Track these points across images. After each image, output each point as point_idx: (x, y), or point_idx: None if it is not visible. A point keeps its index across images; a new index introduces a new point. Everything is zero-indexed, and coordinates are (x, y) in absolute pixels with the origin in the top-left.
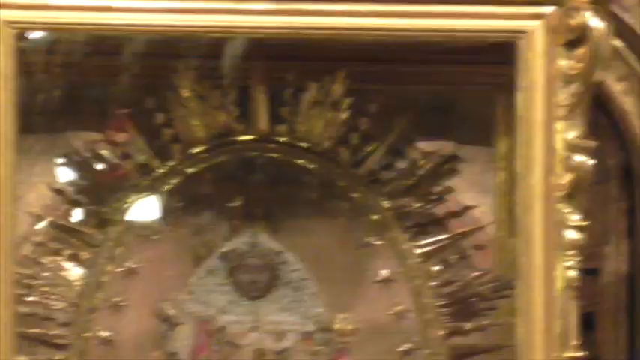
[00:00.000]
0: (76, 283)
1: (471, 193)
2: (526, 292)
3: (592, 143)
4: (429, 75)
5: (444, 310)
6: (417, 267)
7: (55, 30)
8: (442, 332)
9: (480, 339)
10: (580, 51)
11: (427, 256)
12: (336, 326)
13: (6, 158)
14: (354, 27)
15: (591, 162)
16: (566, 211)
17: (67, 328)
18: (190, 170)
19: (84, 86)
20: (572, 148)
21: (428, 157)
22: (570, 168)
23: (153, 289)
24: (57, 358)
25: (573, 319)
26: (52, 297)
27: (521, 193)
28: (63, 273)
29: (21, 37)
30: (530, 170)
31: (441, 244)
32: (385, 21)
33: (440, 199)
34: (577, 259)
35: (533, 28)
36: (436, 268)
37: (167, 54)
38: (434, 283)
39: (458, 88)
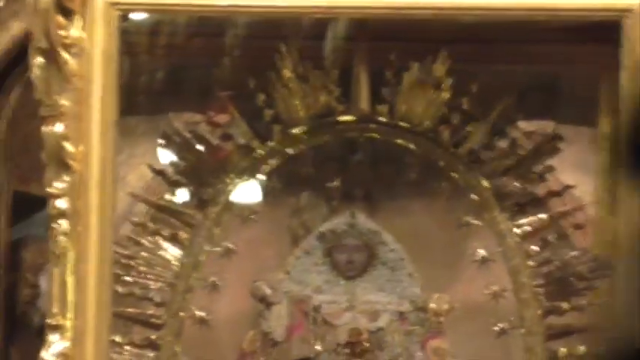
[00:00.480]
0: (173, 263)
1: (572, 172)
2: (625, 272)
3: None
4: (531, 54)
5: (541, 289)
6: (515, 247)
7: (158, 12)
8: (539, 312)
9: (577, 319)
10: None
11: (526, 235)
12: (432, 306)
13: (107, 139)
14: (456, 6)
15: None
16: None
17: (163, 307)
18: (290, 151)
19: (186, 68)
20: None
21: (529, 136)
22: None
23: (249, 269)
24: (152, 337)
25: None
26: (150, 277)
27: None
28: (161, 253)
29: (124, 18)
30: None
31: (540, 223)
32: (485, 0)
33: (540, 178)
34: None
35: (638, 5)
36: (535, 247)
37: (269, 35)
38: (532, 263)
39: (561, 68)
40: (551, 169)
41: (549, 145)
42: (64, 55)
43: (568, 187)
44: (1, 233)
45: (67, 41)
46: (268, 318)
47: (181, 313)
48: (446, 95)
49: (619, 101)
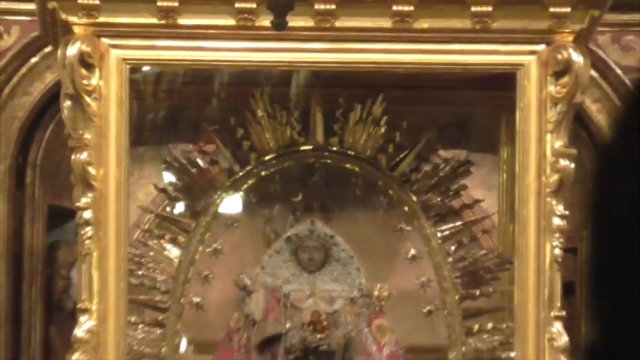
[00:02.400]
0: (174, 260)
1: (480, 189)
2: (522, 266)
3: (573, 151)
4: (448, 98)
5: (458, 280)
6: (437, 247)
7: (159, 65)
8: (457, 297)
9: (486, 302)
10: (565, 79)
11: (445, 238)
12: (375, 293)
13: (121, 164)
14: (389, 62)
15: (573, 165)
16: (553, 203)
17: (167, 295)
18: (263, 173)
19: (181, 108)
20: (559, 154)
21: (447, 162)
22: (557, 170)
23: (233, 265)
24: (159, 318)
25: (558, 287)
26: (156, 271)
27: (519, 190)
28: (165, 253)
29: (133, 70)
30: (526, 172)
31: (456, 229)
32: (413, 57)
33: (456, 194)
34: (561, 240)
35: (528, 62)
36: (452, 248)
37: (246, 83)
38: (450, 260)
39: (471, 109)
40: (464, 187)
41: (463, 169)
42: (87, 99)
43: (477, 201)
44: (39, 238)
45: (89, 88)
46: (249, 303)
47: (182, 300)
48: (383, 130)
49: (515, 135)
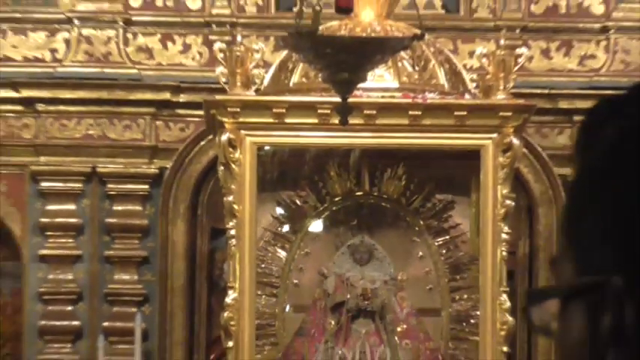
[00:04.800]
0: (282, 259)
1: (459, 217)
2: (484, 262)
3: (513, 195)
4: (442, 164)
5: (448, 269)
6: (435, 251)
7: (274, 145)
8: (446, 280)
9: (463, 283)
10: (508, 154)
11: (440, 246)
12: (399, 277)
13: (252, 203)
14: (406, 143)
15: (513, 203)
16: (502, 226)
17: (279, 279)
18: (334, 208)
19: (287, 170)
20: (505, 197)
21: (440, 201)
22: (504, 206)
23: (316, 261)
24: (274, 292)
25: (504, 274)
26: (272, 265)
27: (482, 218)
28: (277, 254)
29: (260, 149)
30: (486, 207)
31: (446, 241)
32: (421, 141)
33: (446, 220)
34: (506, 247)
35: (487, 144)
36: (444, 251)
37: (324, 155)
38: (442, 258)
39: (454, 171)
40: (450, 215)
41: (449, 205)
42: (232, 165)
43: (458, 224)
44: (205, 246)
45: (233, 159)
46: (325, 283)
47: (287, 281)
48: (403, 183)
49: (480, 186)
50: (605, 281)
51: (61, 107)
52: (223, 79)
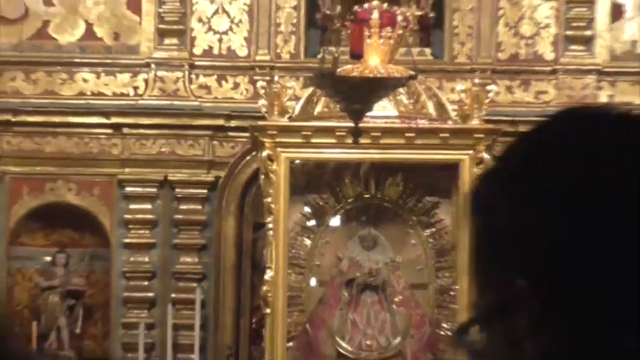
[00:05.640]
0: (307, 246)
1: (443, 214)
2: (460, 249)
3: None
4: (431, 174)
5: (433, 254)
6: (425, 240)
7: (303, 159)
8: (433, 262)
9: (445, 264)
10: (481, 166)
11: (428, 236)
12: (397, 260)
13: (285, 203)
14: (404, 159)
15: None
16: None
17: (305, 261)
18: (348, 207)
19: (313, 178)
20: None
21: (429, 202)
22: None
23: (334, 248)
24: (302, 270)
25: None
26: (300, 250)
27: (458, 215)
28: (304, 242)
29: (292, 162)
30: (463, 206)
31: (433, 232)
32: (413, 156)
33: (433, 216)
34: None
35: (465, 158)
36: (431, 240)
37: (341, 168)
38: (430, 245)
39: (439, 180)
40: (436, 213)
41: (434, 205)
42: (271, 175)
43: (442, 219)
44: (249, 236)
45: (272, 170)
46: (340, 264)
47: (311, 263)
48: (400, 188)
49: (459, 190)
50: (509, 287)
51: (141, 130)
52: (264, 109)
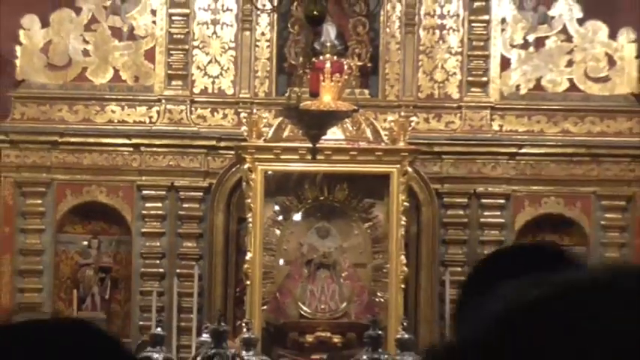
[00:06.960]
0: (277, 235)
1: (378, 212)
2: (391, 238)
3: (408, 199)
4: (371, 183)
5: (370, 242)
6: (364, 230)
7: (275, 171)
8: (370, 247)
9: (380, 248)
10: (406, 176)
11: (367, 228)
12: (344, 245)
13: (261, 203)
14: (357, 170)
15: (408, 204)
16: (401, 216)
17: (275, 245)
18: (307, 206)
19: (282, 185)
20: (403, 200)
21: (367, 202)
22: (402, 205)
23: (298, 236)
24: (273, 254)
25: (402, 244)
26: (272, 239)
27: (390, 212)
28: (275, 233)
29: (266, 173)
30: (393, 206)
31: (370, 225)
32: (358, 169)
33: (371, 212)
34: (403, 229)
35: (394, 170)
36: (369, 230)
37: (303, 178)
38: (369, 234)
39: (376, 187)
40: (373, 210)
41: (372, 205)
42: (250, 183)
43: (377, 215)
44: (235, 227)
45: (251, 179)
46: (302, 249)
47: (280, 248)
48: (346, 193)
49: (390, 194)
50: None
51: (154, 149)
52: (245, 134)
